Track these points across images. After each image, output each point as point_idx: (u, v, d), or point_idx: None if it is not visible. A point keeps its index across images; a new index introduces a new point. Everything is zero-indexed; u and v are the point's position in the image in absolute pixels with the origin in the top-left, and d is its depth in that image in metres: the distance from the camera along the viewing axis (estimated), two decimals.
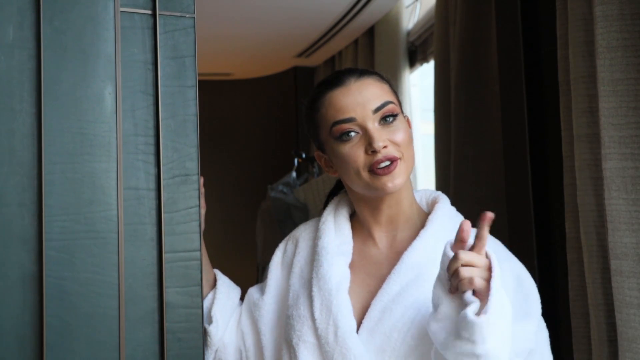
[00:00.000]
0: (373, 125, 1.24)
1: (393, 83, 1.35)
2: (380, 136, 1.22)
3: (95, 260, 0.99)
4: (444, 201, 1.36)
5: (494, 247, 1.28)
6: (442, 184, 2.47)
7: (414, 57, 3.09)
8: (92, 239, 0.99)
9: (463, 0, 2.28)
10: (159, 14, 1.05)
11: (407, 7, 3.08)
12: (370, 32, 3.24)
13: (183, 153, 1.05)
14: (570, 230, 1.51)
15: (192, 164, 1.06)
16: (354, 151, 1.24)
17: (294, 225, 2.91)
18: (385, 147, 1.22)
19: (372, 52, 3.22)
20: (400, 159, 1.23)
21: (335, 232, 1.34)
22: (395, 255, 1.29)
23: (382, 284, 1.26)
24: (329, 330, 1.23)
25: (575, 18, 1.44)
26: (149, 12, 1.05)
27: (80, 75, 1.01)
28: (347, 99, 1.25)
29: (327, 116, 1.27)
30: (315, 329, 1.25)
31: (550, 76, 1.69)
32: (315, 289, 1.27)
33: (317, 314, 1.25)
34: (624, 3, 1.30)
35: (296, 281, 1.33)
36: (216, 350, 1.34)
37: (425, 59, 3.02)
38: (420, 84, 3.29)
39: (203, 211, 1.32)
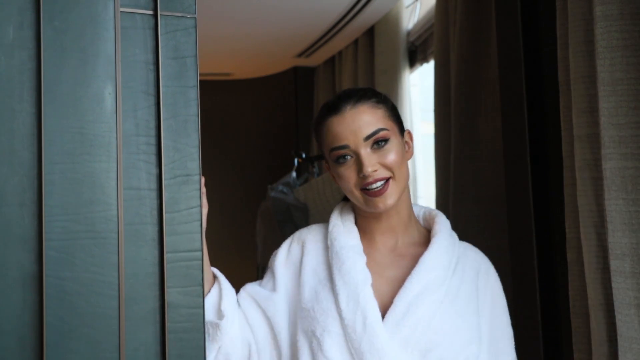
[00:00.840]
0: (365, 150, 1.38)
1: (391, 101, 1.47)
2: (371, 161, 1.37)
3: (95, 260, 0.99)
4: (443, 216, 1.51)
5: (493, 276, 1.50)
6: (442, 184, 2.47)
7: (414, 57, 3.09)
8: (92, 239, 0.99)
9: (463, 0, 2.28)
10: (160, 14, 1.05)
11: (407, 7, 3.08)
12: (370, 32, 3.24)
13: (184, 153, 1.06)
14: (570, 230, 1.51)
15: (194, 164, 1.06)
16: (348, 173, 1.39)
17: (294, 225, 2.91)
18: (375, 170, 1.37)
19: (372, 52, 3.22)
20: (391, 177, 1.38)
21: (346, 235, 1.46)
22: (400, 258, 1.44)
23: (393, 283, 1.41)
24: (357, 320, 1.34)
25: (575, 18, 1.44)
26: (151, 12, 1.06)
27: (80, 75, 1.01)
28: (342, 127, 1.40)
29: (326, 141, 1.43)
30: (342, 320, 1.35)
31: (550, 76, 1.69)
32: (339, 284, 1.38)
33: (343, 306, 1.36)
34: (624, 3, 1.30)
35: (310, 279, 1.43)
36: (219, 347, 1.35)
37: (425, 59, 3.02)
38: (420, 84, 3.29)
39: (205, 211, 1.34)
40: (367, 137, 1.38)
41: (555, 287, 1.73)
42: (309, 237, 1.49)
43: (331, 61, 3.82)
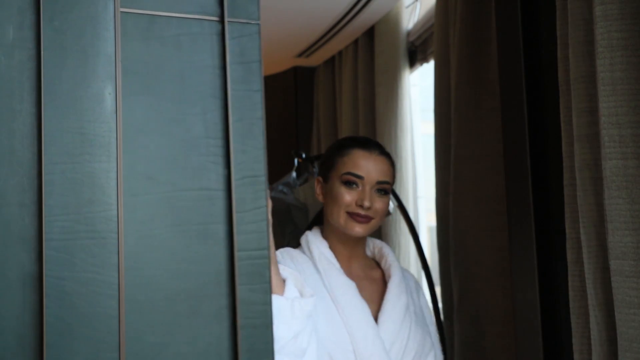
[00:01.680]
0: (371, 190, 1.69)
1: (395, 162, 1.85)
2: (370, 199, 1.68)
3: (95, 260, 0.99)
4: (388, 246, 1.85)
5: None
6: (442, 184, 2.46)
7: (414, 57, 3.09)
8: (93, 239, 0.99)
9: (463, 0, 2.28)
10: (227, 21, 1.10)
11: (407, 7, 3.08)
12: (370, 32, 3.24)
13: (251, 155, 1.09)
14: (570, 230, 1.51)
15: (260, 166, 1.10)
16: (347, 196, 1.68)
17: (294, 225, 2.91)
18: (369, 208, 1.68)
19: (372, 52, 3.22)
20: (373, 218, 1.70)
21: (332, 261, 1.70)
22: (365, 281, 1.74)
23: (368, 303, 1.69)
24: (368, 340, 1.59)
25: (575, 18, 1.44)
26: (217, 19, 1.09)
27: (80, 75, 1.01)
28: (366, 162, 1.70)
29: (346, 164, 1.70)
30: (353, 340, 1.59)
31: (550, 76, 1.69)
32: (348, 309, 1.62)
33: (354, 328, 1.60)
34: (624, 3, 1.30)
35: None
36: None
37: (425, 59, 3.02)
38: (420, 84, 3.29)
39: (268, 208, 1.47)
40: (379, 182, 1.70)
41: (555, 287, 1.73)
42: (293, 255, 1.71)
43: (331, 61, 3.82)
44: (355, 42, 3.41)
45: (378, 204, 1.69)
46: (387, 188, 1.72)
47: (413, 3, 3.06)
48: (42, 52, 0.98)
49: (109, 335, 0.99)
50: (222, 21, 1.09)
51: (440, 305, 2.36)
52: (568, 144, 1.51)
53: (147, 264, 1.02)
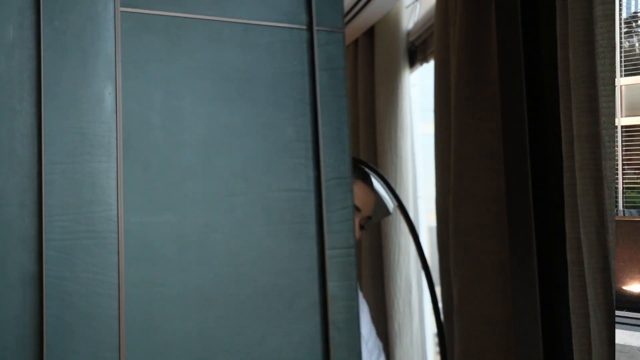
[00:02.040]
0: (358, 223, 1.77)
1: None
2: (357, 232, 1.74)
3: (95, 260, 0.99)
4: None
5: None
6: (442, 184, 2.46)
7: (414, 57, 3.09)
8: (93, 239, 0.99)
9: (463, 0, 2.28)
10: (315, 30, 1.15)
11: (407, 7, 3.08)
12: (370, 32, 3.24)
13: (338, 158, 1.14)
14: (570, 230, 1.51)
15: (345, 168, 1.15)
16: None
17: None
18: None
19: (372, 52, 3.22)
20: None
21: None
22: None
23: None
24: None
25: (575, 18, 1.43)
26: (305, 27, 1.14)
27: (80, 75, 1.01)
28: (365, 196, 1.81)
29: None
30: None
31: (550, 76, 1.68)
32: None
33: None
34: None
35: None
36: None
37: (425, 59, 3.02)
38: (420, 84, 3.29)
39: None
40: (367, 217, 1.84)
41: (555, 287, 1.73)
42: None
43: None
44: (355, 42, 3.41)
45: (357, 236, 1.84)
46: (367, 224, 1.87)
47: (413, 3, 3.06)
48: (42, 52, 0.98)
49: (109, 335, 0.99)
50: (310, 29, 1.14)
51: (440, 305, 2.36)
52: (568, 144, 1.51)
53: (246, 261, 1.06)
